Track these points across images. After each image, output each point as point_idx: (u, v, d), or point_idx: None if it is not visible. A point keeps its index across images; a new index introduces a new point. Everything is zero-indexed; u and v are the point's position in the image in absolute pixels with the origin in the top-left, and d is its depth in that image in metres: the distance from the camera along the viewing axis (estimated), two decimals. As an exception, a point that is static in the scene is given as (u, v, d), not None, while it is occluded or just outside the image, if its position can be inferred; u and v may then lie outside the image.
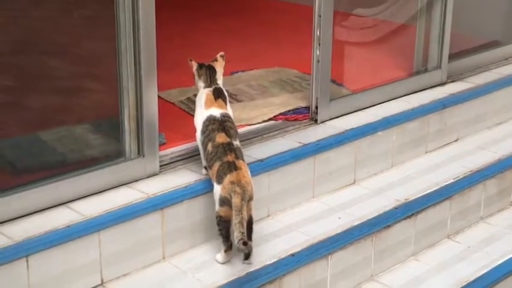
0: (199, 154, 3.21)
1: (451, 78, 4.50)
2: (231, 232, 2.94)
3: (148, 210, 3.01)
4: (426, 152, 4.13)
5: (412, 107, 4.07)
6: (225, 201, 2.92)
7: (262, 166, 3.35)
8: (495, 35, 5.09)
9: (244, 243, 2.81)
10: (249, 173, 3.00)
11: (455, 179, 3.83)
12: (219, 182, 2.95)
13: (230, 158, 2.98)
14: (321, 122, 3.81)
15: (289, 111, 3.87)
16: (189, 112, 3.74)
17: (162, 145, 3.32)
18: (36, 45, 3.09)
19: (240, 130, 3.42)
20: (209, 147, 3.05)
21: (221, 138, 3.05)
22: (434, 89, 4.36)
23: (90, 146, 3.25)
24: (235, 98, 4.01)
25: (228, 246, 3.00)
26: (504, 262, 3.58)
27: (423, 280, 3.43)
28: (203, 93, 3.22)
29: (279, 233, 3.29)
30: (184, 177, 3.20)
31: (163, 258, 3.09)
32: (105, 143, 3.28)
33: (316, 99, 3.79)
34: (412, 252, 3.61)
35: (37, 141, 3.12)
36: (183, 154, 3.37)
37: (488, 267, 3.53)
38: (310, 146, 3.57)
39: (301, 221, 3.41)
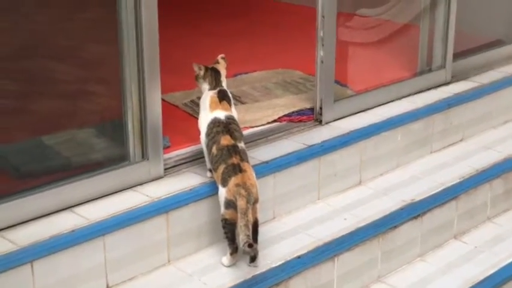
0: (203, 157, 3.20)
1: (456, 77, 4.48)
2: (237, 235, 2.93)
3: (153, 213, 3.00)
4: (431, 152, 4.12)
5: (417, 107, 4.06)
6: (230, 204, 2.90)
7: (267, 168, 3.34)
8: (499, 34, 5.07)
9: (250, 246, 2.80)
10: (254, 175, 2.99)
11: (461, 179, 3.81)
12: (224, 184, 2.94)
13: (235, 160, 2.97)
14: (326, 123, 3.79)
15: (293, 112, 3.85)
16: (193, 115, 3.73)
17: (166, 148, 3.31)
18: (38, 49, 3.08)
19: (245, 132, 3.41)
20: (214, 149, 3.04)
21: (226, 140, 3.03)
22: (439, 89, 4.34)
23: (94, 150, 3.24)
24: (239, 100, 4.00)
25: (234, 249, 2.99)
26: (512, 262, 3.57)
27: (430, 281, 3.41)
28: (207, 96, 3.21)
29: (285, 235, 3.28)
30: (189, 180, 3.18)
31: (169, 261, 3.08)
32: (109, 147, 3.26)
33: (321, 100, 3.78)
34: (418, 253, 3.59)
35: (41, 146, 3.11)
36: (187, 157, 3.36)
37: (495, 267, 3.51)
38: (315, 148, 3.55)
39: (307, 222, 3.39)
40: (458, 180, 3.80)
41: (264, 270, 3.00)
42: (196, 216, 3.13)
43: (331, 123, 3.81)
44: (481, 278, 3.43)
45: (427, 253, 3.62)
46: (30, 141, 3.11)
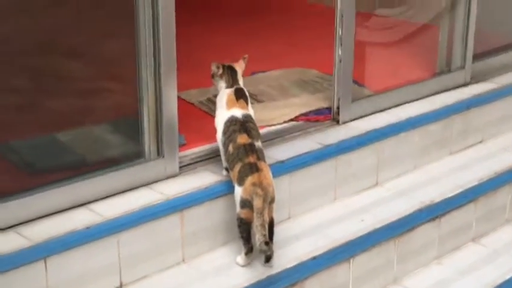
0: (219, 155, 3.17)
1: (475, 78, 4.42)
2: (252, 234, 2.90)
3: (168, 211, 2.97)
4: (450, 154, 4.07)
5: (436, 108, 4.01)
6: (246, 203, 2.88)
7: (283, 167, 3.31)
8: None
9: (266, 244, 2.78)
10: (270, 174, 2.96)
11: (480, 181, 3.77)
12: (240, 183, 2.91)
13: (252, 159, 2.94)
14: (343, 123, 3.76)
15: (310, 111, 3.82)
16: (209, 113, 3.71)
17: (181, 146, 3.29)
18: (54, 45, 3.07)
19: (261, 131, 3.37)
20: (230, 148, 3.01)
21: (243, 139, 3.00)
22: (458, 90, 4.29)
23: (110, 146, 3.22)
24: (255, 99, 3.97)
25: (249, 249, 2.96)
26: (531, 266, 3.52)
27: (447, 284, 3.38)
28: (224, 94, 3.18)
29: (300, 236, 3.25)
30: (204, 179, 3.16)
31: (183, 260, 3.06)
32: (124, 144, 3.25)
33: (338, 99, 3.75)
34: (435, 256, 3.56)
35: (56, 142, 3.10)
36: (203, 155, 3.33)
37: (514, 270, 3.47)
38: (331, 147, 3.52)
39: (322, 223, 3.36)
40: (477, 182, 3.75)
41: (278, 270, 2.98)
42: (211, 215, 3.11)
43: (348, 123, 3.77)
44: (500, 281, 3.39)
45: (444, 256, 3.58)
46: (46, 137, 3.09)
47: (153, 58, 3.05)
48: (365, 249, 3.25)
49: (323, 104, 3.89)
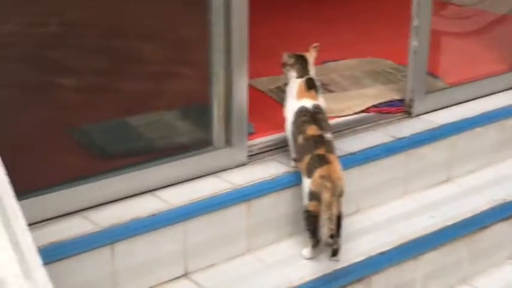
0: (287, 145, 3.13)
1: (556, 72, 4.27)
2: (319, 227, 2.85)
3: (235, 201, 2.95)
4: (527, 151, 3.94)
5: (513, 103, 3.89)
6: (315, 196, 2.83)
7: (353, 160, 3.25)
8: None
9: (332, 237, 2.76)
10: (340, 167, 2.90)
11: (558, 180, 3.64)
12: (309, 175, 2.86)
13: (321, 151, 2.89)
14: (416, 116, 3.67)
15: (382, 103, 3.74)
16: (279, 101, 3.66)
17: (250, 135, 3.26)
18: (127, 29, 3.07)
19: (331, 122, 3.32)
20: (299, 139, 2.96)
21: (312, 130, 2.95)
22: (538, 84, 4.15)
23: (178, 133, 3.22)
24: (326, 88, 3.91)
25: (315, 242, 2.92)
26: None
27: (519, 286, 3.27)
28: (295, 84, 3.13)
29: (368, 230, 3.18)
30: (272, 169, 3.12)
31: (248, 250, 3.03)
32: (193, 131, 3.24)
33: (412, 91, 3.65)
34: (508, 256, 3.47)
35: (127, 127, 3.10)
36: (271, 145, 3.29)
37: None
38: (403, 141, 3.44)
39: (391, 218, 3.29)
40: (554, 181, 3.63)
41: (345, 265, 2.92)
42: (278, 206, 3.07)
43: (421, 116, 3.67)
44: None
45: (517, 256, 3.48)
46: (116, 121, 3.10)
47: (225, 45, 3.02)
48: (434, 247, 3.17)
49: (395, 96, 3.81)
